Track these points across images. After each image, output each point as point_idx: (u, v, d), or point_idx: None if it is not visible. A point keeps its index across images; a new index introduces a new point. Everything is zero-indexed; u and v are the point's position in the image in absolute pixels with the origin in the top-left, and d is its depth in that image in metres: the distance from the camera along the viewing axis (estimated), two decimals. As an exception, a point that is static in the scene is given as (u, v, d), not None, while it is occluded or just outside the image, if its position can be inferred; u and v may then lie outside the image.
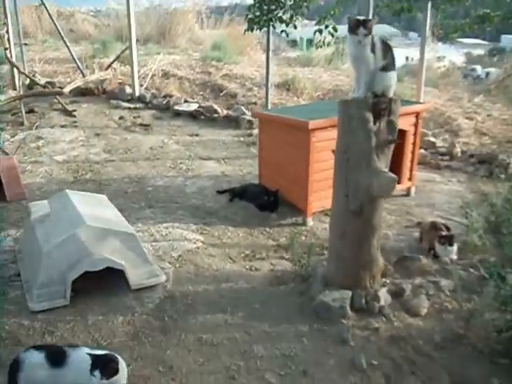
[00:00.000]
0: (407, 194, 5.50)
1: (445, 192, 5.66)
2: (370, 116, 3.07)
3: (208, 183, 5.72)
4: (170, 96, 8.31)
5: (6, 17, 8.65)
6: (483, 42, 28.93)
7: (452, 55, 15.46)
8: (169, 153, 6.58)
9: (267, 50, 7.04)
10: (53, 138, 7.02)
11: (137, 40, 12.45)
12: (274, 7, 6.55)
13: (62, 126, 7.50)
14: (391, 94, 3.23)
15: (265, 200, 5.02)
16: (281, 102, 8.10)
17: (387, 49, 3.22)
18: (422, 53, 6.58)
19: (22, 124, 7.45)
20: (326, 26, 6.48)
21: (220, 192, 5.46)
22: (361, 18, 3.09)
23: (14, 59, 8.43)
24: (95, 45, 11.33)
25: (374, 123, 3.09)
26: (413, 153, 5.34)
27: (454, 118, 7.81)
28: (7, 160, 5.48)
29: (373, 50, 3.14)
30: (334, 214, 3.40)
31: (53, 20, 8.77)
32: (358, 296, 3.36)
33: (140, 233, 4.51)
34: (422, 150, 6.52)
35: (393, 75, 3.22)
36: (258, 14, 6.60)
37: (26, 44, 9.47)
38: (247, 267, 4.07)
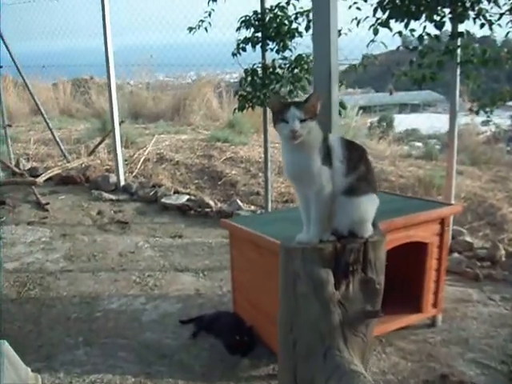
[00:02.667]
0: (432, 324, 4.14)
1: (483, 318, 4.24)
2: (328, 275, 1.79)
3: (174, 307, 4.44)
4: (160, 186, 7.15)
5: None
6: (532, 103, 27.79)
7: (497, 118, 14.29)
8: (139, 261, 5.35)
9: (264, 133, 5.88)
10: (12, 239, 5.91)
11: (147, 117, 11.73)
12: (268, 81, 5.42)
13: (29, 223, 6.40)
14: (368, 233, 1.89)
15: (236, 339, 3.73)
16: (288, 191, 6.86)
17: (355, 156, 1.88)
18: (452, 132, 5.19)
19: (-15, 220, 6.43)
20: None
21: (184, 322, 4.18)
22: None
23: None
24: (95, 124, 10.24)
25: (338, 286, 1.81)
26: (438, 271, 3.98)
27: (498, 206, 6.38)
28: None
29: (328, 160, 1.82)
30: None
31: (32, 96, 7.85)
32: None
33: (55, 387, 3.31)
34: (456, 254, 5.18)
35: (368, 201, 1.86)
36: (249, 89, 5.47)
37: (9, 125, 8.52)
38: None
